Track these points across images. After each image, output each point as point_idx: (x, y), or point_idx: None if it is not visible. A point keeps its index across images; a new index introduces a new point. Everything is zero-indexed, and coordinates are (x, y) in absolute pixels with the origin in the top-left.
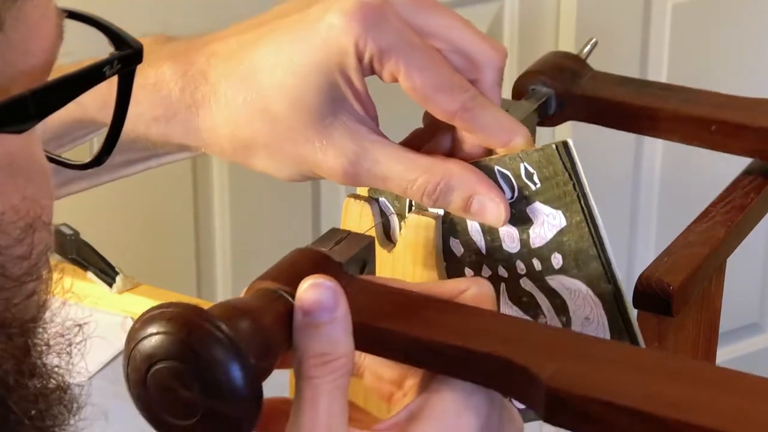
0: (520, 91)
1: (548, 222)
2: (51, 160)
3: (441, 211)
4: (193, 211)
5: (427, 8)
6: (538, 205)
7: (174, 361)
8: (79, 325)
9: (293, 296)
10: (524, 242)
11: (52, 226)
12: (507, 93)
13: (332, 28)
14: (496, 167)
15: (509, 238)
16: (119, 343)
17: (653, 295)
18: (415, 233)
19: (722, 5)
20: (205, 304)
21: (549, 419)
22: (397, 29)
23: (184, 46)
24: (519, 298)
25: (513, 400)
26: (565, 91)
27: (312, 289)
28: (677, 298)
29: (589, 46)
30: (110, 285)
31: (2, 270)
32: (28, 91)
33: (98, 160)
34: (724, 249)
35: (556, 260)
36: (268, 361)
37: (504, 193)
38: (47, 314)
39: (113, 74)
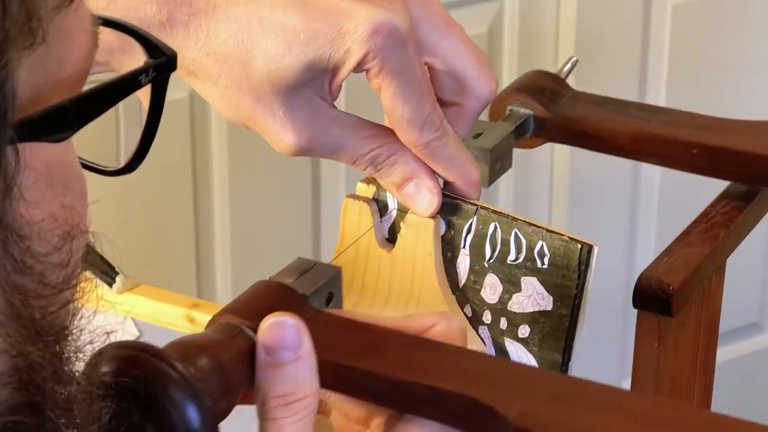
0: (497, 110)
1: (536, 298)
2: (83, 166)
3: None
4: (193, 211)
5: (444, 28)
6: (534, 281)
7: (128, 401)
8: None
9: (255, 331)
10: (503, 300)
11: (89, 233)
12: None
13: (354, 31)
14: (515, 230)
15: (492, 289)
16: None
17: (653, 295)
18: (414, 233)
19: (722, 6)
20: (206, 305)
21: None
22: (408, 59)
23: None
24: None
25: None
26: (544, 112)
27: (274, 327)
28: (677, 298)
29: (569, 65)
30: (110, 285)
31: (41, 278)
32: (67, 100)
33: (130, 166)
34: (724, 249)
35: (524, 330)
36: (227, 401)
37: (511, 251)
38: (79, 322)
39: (149, 82)
